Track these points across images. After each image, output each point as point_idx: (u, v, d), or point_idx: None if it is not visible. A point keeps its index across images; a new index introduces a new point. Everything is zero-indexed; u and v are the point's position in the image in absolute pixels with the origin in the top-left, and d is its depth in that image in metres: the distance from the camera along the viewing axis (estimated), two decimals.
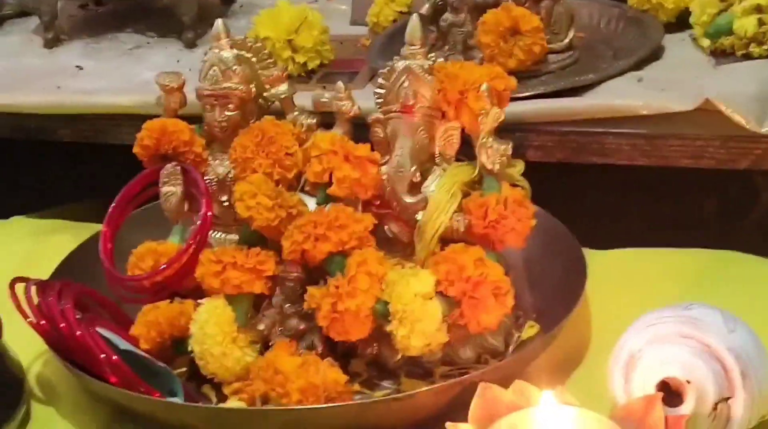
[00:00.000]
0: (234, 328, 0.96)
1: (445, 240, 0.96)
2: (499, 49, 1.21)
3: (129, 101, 1.28)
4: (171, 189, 1.06)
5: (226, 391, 0.98)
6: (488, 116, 0.95)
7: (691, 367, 0.83)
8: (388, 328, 0.92)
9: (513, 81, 1.01)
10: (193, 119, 1.08)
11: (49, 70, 1.43)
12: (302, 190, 1.03)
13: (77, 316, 0.96)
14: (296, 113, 1.07)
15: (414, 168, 0.97)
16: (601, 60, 1.29)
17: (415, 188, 0.98)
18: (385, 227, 0.99)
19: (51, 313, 0.96)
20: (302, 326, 0.98)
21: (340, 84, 1.03)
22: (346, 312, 0.92)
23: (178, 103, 1.08)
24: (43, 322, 0.96)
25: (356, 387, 0.97)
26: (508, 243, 0.95)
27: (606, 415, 0.80)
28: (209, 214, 1.03)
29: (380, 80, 1.00)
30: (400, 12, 1.43)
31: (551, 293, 1.03)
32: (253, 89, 1.06)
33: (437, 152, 0.99)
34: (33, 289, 0.99)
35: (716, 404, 0.83)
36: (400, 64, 0.98)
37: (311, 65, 1.34)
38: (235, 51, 1.05)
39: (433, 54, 1.01)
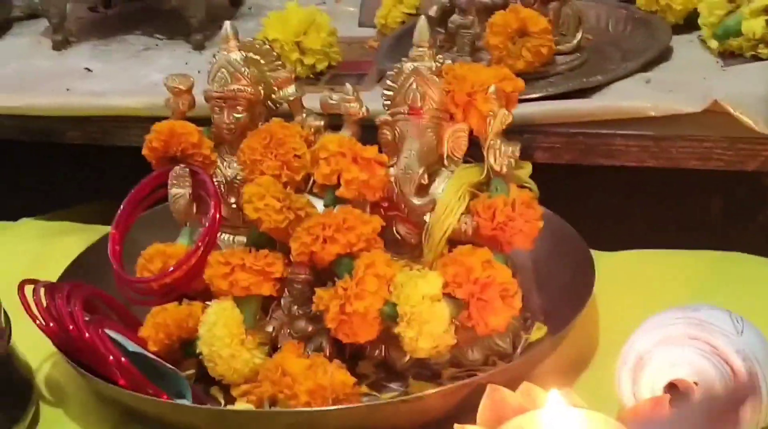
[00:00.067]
0: (242, 330, 0.97)
1: (453, 242, 0.96)
2: (507, 50, 1.21)
3: (137, 103, 1.28)
4: (179, 191, 1.06)
5: (234, 393, 0.98)
6: (496, 118, 0.95)
7: (698, 369, 0.83)
8: (396, 330, 0.92)
9: (521, 83, 1.01)
10: (202, 121, 1.08)
11: (57, 72, 1.43)
12: (310, 192, 1.03)
13: (86, 318, 0.96)
14: (304, 115, 1.07)
15: (422, 170, 0.97)
16: (609, 61, 1.29)
17: (423, 190, 0.98)
18: (393, 229, 0.99)
19: (60, 315, 0.96)
20: (310, 328, 0.98)
21: (348, 86, 1.03)
22: (354, 314, 0.92)
23: (187, 105, 1.08)
24: (51, 324, 0.96)
25: (364, 389, 0.97)
26: (516, 245, 0.95)
27: (613, 416, 0.80)
28: (218, 216, 1.03)
29: (388, 82, 1.00)
30: (408, 14, 1.43)
31: (559, 295, 1.03)
32: (262, 91, 1.06)
33: (445, 154, 0.99)
34: (42, 291, 0.99)
35: None
36: (408, 66, 0.99)
37: (319, 67, 1.35)
38: (243, 53, 1.05)
39: (441, 56, 1.01)
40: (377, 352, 0.97)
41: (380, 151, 0.98)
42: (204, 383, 1.00)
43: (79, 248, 1.14)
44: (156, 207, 1.10)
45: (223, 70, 1.05)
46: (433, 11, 1.28)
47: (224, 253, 0.99)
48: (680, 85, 1.19)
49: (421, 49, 0.99)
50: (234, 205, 1.07)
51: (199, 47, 1.45)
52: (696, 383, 0.82)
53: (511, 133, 0.98)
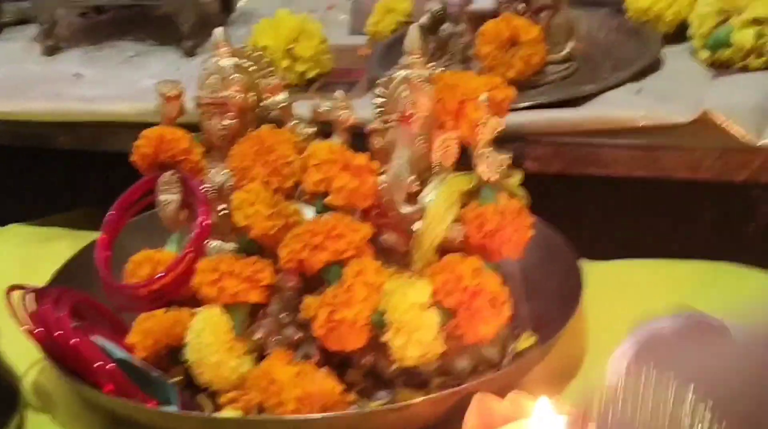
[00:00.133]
0: (230, 337, 0.96)
1: (443, 250, 0.96)
2: (498, 59, 1.21)
3: (128, 109, 1.28)
4: (169, 197, 1.06)
5: (221, 400, 0.97)
6: (487, 126, 0.95)
7: None
8: (385, 338, 0.92)
9: (512, 91, 1.01)
10: (192, 127, 1.08)
11: (48, 78, 1.43)
12: (300, 199, 1.03)
13: (73, 324, 0.96)
14: (295, 122, 1.07)
15: (412, 178, 0.97)
16: (599, 71, 1.29)
17: (412, 198, 0.98)
18: (383, 237, 0.99)
19: (47, 320, 0.96)
20: (298, 335, 0.98)
21: (338, 93, 1.03)
22: (343, 321, 0.92)
23: (177, 112, 1.08)
24: (38, 329, 0.96)
25: (352, 397, 0.96)
26: (505, 253, 0.95)
27: None
28: (207, 222, 1.03)
29: (379, 90, 1.00)
30: (400, 22, 1.43)
31: (548, 304, 1.03)
32: (252, 98, 1.06)
33: (435, 162, 0.99)
34: (29, 296, 0.98)
35: None
36: (399, 74, 0.98)
37: (310, 74, 1.35)
38: (234, 60, 1.05)
39: (432, 64, 1.01)
40: (365, 359, 0.97)
41: (370, 159, 0.98)
42: (191, 390, 1.00)
43: (67, 254, 1.14)
44: (145, 213, 1.10)
45: (213, 76, 1.05)
46: (424, 19, 1.29)
47: (213, 259, 0.99)
48: (670, 96, 1.19)
49: (412, 57, 0.99)
50: (223, 212, 1.06)
51: (190, 53, 1.45)
52: None
53: (501, 141, 0.98)
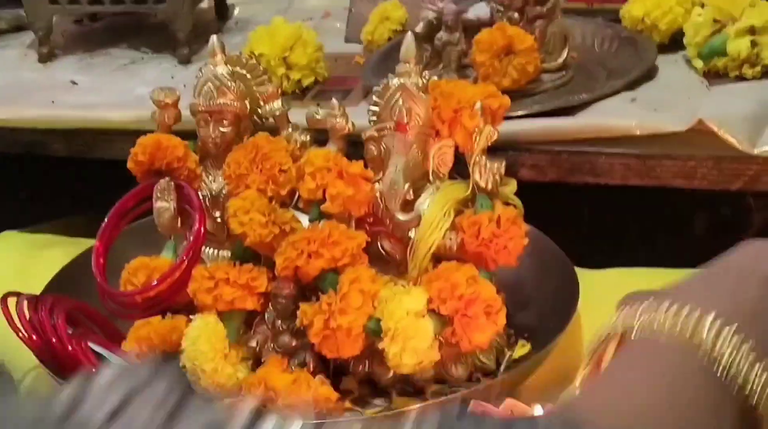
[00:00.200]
0: (226, 344, 0.96)
1: (438, 258, 0.97)
2: (493, 67, 1.22)
3: (123, 116, 1.28)
4: (164, 204, 1.06)
5: None
6: (482, 134, 0.96)
7: None
8: (380, 345, 0.92)
9: (507, 100, 1.01)
10: (187, 135, 1.08)
11: (43, 85, 1.43)
12: (295, 207, 1.03)
13: (69, 331, 0.96)
14: (290, 130, 1.07)
15: (407, 185, 0.97)
16: (594, 80, 1.29)
17: (408, 206, 0.98)
18: (378, 244, 0.99)
19: (42, 328, 0.96)
20: (294, 343, 0.98)
21: (334, 101, 1.03)
22: (338, 329, 0.92)
23: (173, 119, 1.08)
24: (34, 337, 0.96)
25: (347, 404, 0.96)
26: (501, 261, 0.95)
27: None
28: (202, 229, 1.03)
29: (374, 98, 1.00)
30: (395, 30, 1.43)
31: (543, 312, 1.03)
32: (248, 106, 1.06)
33: (431, 170, 0.99)
34: (25, 303, 0.98)
35: None
36: (395, 82, 0.99)
37: (306, 82, 1.35)
38: (229, 67, 1.05)
39: (427, 72, 1.01)
40: (361, 367, 0.97)
41: (366, 167, 0.98)
42: None
43: (62, 261, 1.14)
44: (140, 220, 1.10)
45: (209, 84, 1.05)
46: (419, 28, 1.29)
47: (208, 267, 0.99)
48: (665, 104, 1.20)
49: (407, 65, 0.99)
50: (219, 219, 1.07)
51: (186, 61, 1.45)
52: None
53: (496, 150, 0.98)
